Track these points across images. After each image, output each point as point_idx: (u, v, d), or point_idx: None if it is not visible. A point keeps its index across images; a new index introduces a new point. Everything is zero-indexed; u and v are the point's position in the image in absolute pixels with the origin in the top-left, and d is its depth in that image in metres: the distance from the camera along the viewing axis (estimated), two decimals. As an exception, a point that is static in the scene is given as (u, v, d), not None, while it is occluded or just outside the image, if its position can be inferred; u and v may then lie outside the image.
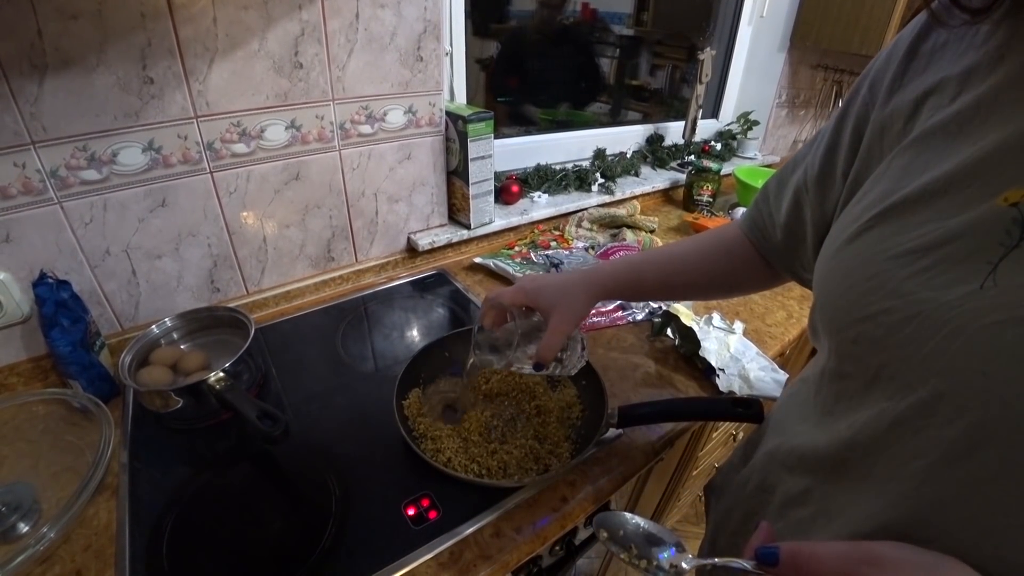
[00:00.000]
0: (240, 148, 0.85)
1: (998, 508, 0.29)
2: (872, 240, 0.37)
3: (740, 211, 1.47)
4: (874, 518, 0.35)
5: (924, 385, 0.32)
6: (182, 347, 0.84)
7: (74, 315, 0.74)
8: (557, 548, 0.78)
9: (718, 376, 0.84)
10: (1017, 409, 0.28)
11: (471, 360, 0.66)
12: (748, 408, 0.63)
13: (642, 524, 0.46)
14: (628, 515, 0.47)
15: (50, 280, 0.73)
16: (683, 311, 0.92)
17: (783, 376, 0.85)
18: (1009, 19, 0.34)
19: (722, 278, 0.65)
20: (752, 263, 0.61)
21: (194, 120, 0.79)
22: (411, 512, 0.62)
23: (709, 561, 0.43)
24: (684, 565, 0.43)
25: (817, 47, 1.86)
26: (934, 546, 0.31)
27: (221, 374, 0.71)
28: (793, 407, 0.52)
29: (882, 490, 0.35)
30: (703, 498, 0.66)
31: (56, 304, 0.72)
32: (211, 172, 0.84)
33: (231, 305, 0.88)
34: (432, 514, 0.62)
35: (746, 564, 0.37)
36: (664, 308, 0.97)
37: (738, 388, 0.83)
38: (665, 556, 0.43)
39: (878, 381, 0.36)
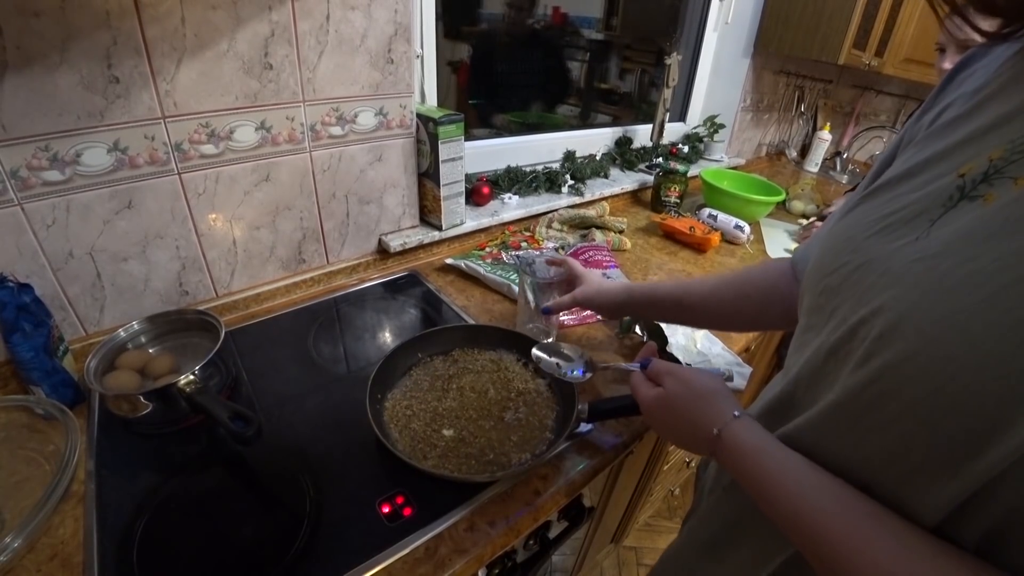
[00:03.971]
0: (209, 149, 0.84)
1: (888, 418, 0.35)
2: (857, 213, 0.43)
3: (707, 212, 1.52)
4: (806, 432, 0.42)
5: (854, 315, 0.38)
6: (150, 351, 0.82)
7: (36, 319, 0.72)
8: (531, 542, 0.80)
9: (685, 371, 0.87)
10: (912, 320, 0.33)
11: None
12: (712, 400, 0.66)
13: (563, 347, 0.76)
14: (555, 343, 0.78)
15: (11, 283, 0.71)
16: (651, 309, 0.95)
17: (747, 370, 0.88)
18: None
19: (747, 304, 0.69)
20: (784, 289, 0.64)
21: (161, 120, 0.78)
22: (386, 510, 0.63)
23: (606, 366, 0.74)
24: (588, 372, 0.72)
25: (779, 54, 1.92)
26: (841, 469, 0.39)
27: (191, 377, 0.71)
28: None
29: (815, 415, 0.41)
30: (695, 474, 0.71)
31: (17, 308, 0.70)
32: (179, 173, 0.83)
33: (200, 308, 0.87)
34: (407, 511, 0.63)
35: (632, 367, 0.64)
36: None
37: (704, 382, 0.85)
38: (573, 371, 0.73)
39: (827, 322, 0.42)
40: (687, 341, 0.91)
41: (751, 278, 0.69)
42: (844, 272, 0.40)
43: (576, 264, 0.87)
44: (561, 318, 1.01)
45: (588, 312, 1.03)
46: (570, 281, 0.86)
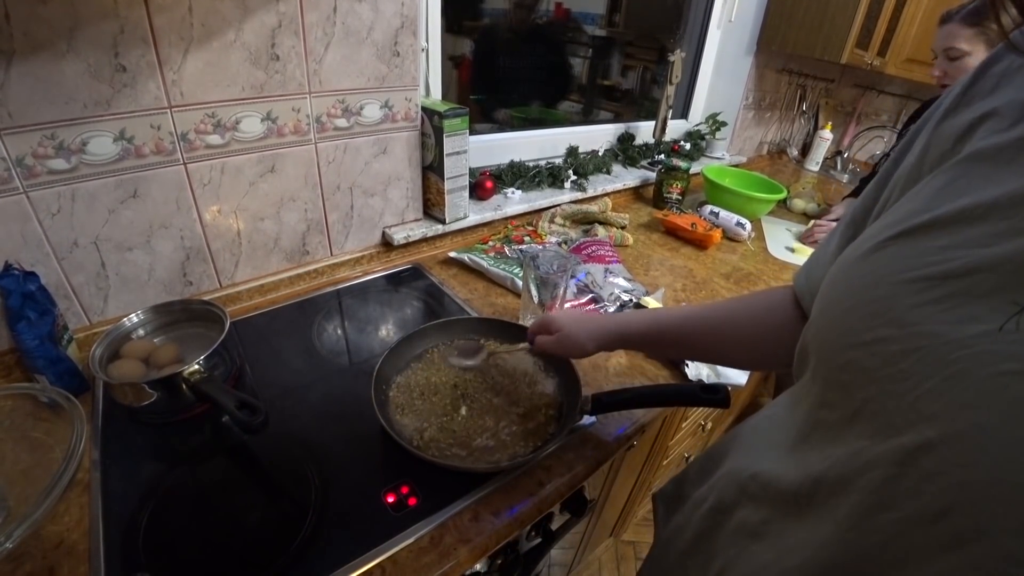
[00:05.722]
0: (215, 139, 0.84)
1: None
2: (885, 259, 0.33)
3: (708, 209, 1.52)
4: (819, 561, 0.33)
5: (910, 429, 0.28)
6: (154, 341, 0.82)
7: (42, 308, 0.72)
8: (533, 534, 0.80)
9: (687, 366, 0.87)
10: (1012, 476, 0.24)
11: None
12: (715, 394, 0.66)
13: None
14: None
15: (16, 271, 0.71)
16: (653, 303, 0.95)
17: (749, 366, 0.88)
18: None
19: (750, 340, 0.59)
20: (789, 325, 0.53)
21: (168, 110, 0.78)
22: (391, 499, 0.63)
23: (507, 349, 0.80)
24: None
25: (782, 52, 1.92)
26: None
27: (196, 366, 0.71)
28: (763, 430, 0.47)
29: (840, 536, 0.32)
30: (652, 505, 0.64)
31: (23, 296, 0.70)
32: (184, 163, 0.83)
33: (204, 299, 0.87)
34: (412, 500, 0.63)
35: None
36: (635, 301, 0.99)
37: (706, 376, 0.86)
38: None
39: (860, 416, 0.32)
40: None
41: (751, 319, 0.59)
42: (883, 353, 0.30)
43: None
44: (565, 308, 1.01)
45: (590, 307, 1.03)
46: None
